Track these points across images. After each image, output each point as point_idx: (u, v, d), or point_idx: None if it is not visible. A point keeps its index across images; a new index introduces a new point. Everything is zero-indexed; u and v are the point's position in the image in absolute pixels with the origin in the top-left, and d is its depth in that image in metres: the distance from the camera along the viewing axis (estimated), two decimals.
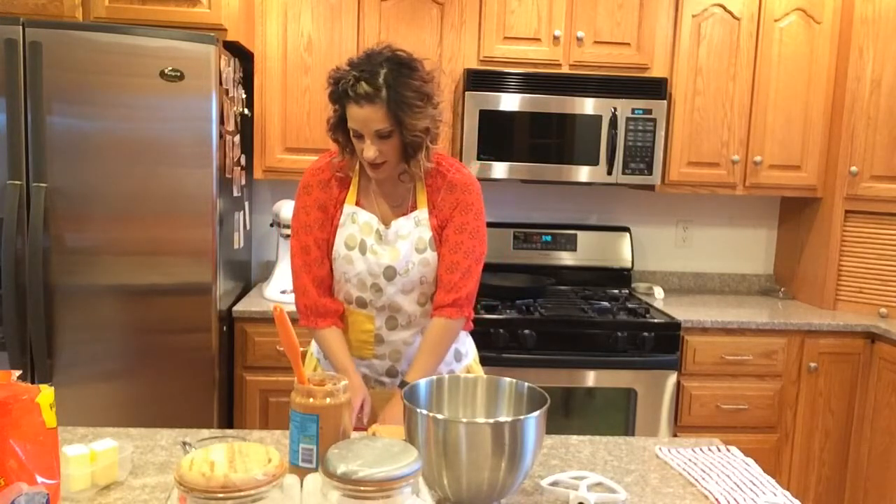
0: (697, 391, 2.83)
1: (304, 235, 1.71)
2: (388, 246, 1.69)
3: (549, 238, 3.30)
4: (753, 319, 2.84)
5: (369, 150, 1.57)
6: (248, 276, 3.17)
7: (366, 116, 1.54)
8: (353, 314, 1.73)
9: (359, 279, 1.69)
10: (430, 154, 1.65)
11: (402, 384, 1.60)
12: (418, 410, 1.17)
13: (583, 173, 2.94)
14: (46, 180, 2.36)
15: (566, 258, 3.31)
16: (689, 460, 1.50)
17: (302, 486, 1.03)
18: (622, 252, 3.33)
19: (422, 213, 1.70)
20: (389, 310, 1.71)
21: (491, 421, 1.14)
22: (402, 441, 1.06)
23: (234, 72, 2.69)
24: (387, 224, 1.70)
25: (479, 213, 1.72)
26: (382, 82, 1.52)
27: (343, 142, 1.66)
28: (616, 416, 2.77)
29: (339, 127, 1.64)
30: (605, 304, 2.95)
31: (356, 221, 1.70)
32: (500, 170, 2.92)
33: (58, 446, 1.12)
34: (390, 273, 1.68)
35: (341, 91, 1.56)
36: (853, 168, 3.00)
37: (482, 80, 2.86)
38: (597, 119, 2.91)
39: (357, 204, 1.71)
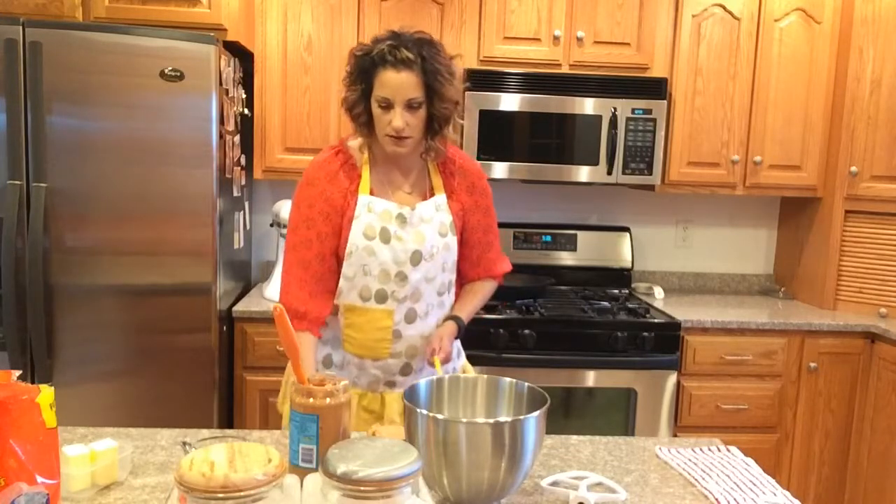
0: (697, 391, 2.83)
1: (306, 230, 1.66)
2: (412, 230, 1.67)
3: (549, 238, 3.30)
4: (753, 319, 2.84)
5: (398, 119, 1.58)
6: (248, 276, 3.17)
7: (401, 82, 1.56)
8: (370, 312, 1.67)
9: (382, 269, 1.65)
10: (446, 135, 1.71)
11: (451, 318, 1.74)
12: (418, 410, 1.17)
13: (583, 173, 2.94)
14: (46, 180, 2.36)
15: (566, 258, 3.31)
16: (689, 460, 1.50)
17: (302, 486, 1.03)
18: (622, 252, 3.33)
19: (440, 198, 1.72)
20: (411, 300, 1.68)
21: (491, 421, 1.14)
22: (402, 441, 1.06)
23: (234, 72, 2.69)
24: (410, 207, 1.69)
25: (491, 198, 1.83)
26: (416, 53, 1.57)
27: (364, 118, 1.64)
28: (616, 416, 2.77)
29: (361, 102, 1.63)
30: (605, 304, 2.95)
31: (373, 211, 1.66)
32: (500, 170, 2.92)
33: (58, 446, 1.12)
34: (416, 258, 1.66)
35: (376, 58, 1.57)
36: (853, 168, 3.00)
37: (482, 80, 2.86)
38: (597, 119, 2.91)
39: (371, 194, 1.68)
